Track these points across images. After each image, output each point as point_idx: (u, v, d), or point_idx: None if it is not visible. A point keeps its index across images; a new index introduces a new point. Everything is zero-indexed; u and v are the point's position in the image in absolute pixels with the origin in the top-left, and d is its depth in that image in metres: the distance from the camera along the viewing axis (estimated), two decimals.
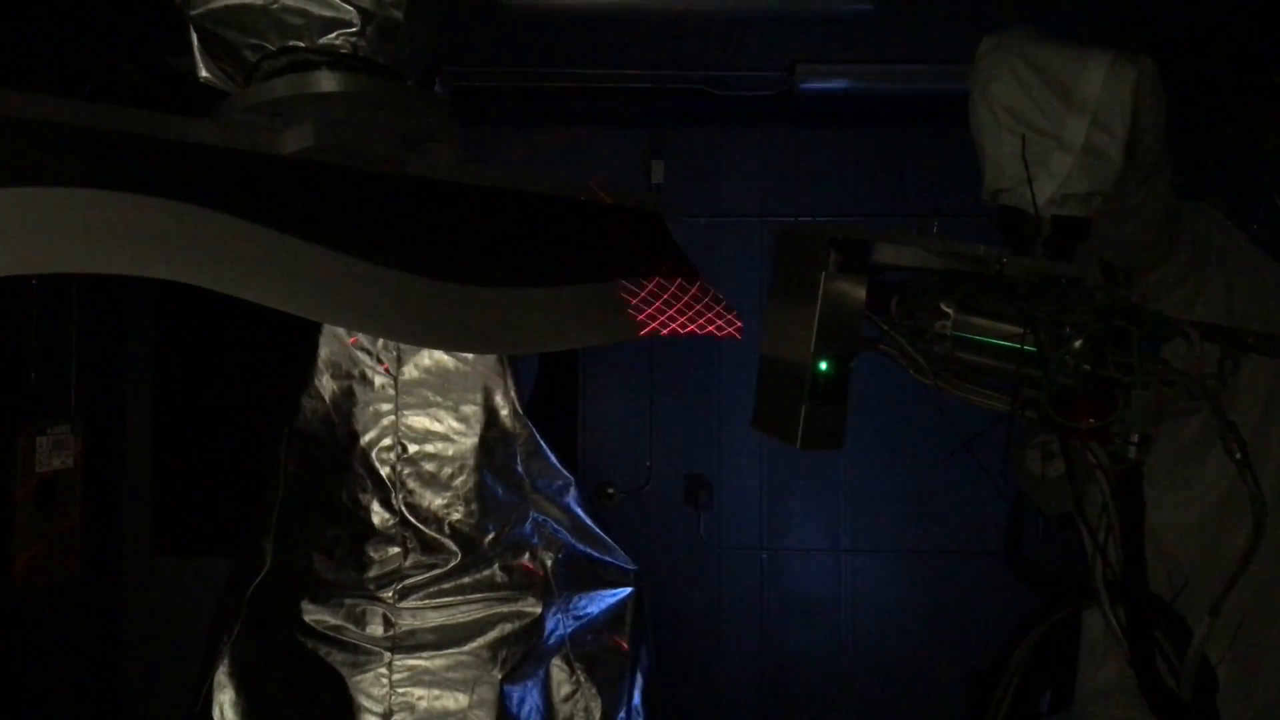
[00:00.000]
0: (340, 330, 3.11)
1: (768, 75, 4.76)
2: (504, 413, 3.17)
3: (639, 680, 3.28)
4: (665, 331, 2.43)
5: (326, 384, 3.12)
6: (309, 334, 3.20)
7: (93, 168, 1.56)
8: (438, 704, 2.97)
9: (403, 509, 3.08)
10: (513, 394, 3.18)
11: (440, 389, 3.11)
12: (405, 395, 3.10)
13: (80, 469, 4.25)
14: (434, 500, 3.09)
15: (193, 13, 2.16)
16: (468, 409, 3.12)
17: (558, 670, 3.11)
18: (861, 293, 2.02)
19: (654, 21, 4.15)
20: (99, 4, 4.02)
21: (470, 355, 3.12)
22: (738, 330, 2.43)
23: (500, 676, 2.99)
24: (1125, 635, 1.96)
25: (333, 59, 2.11)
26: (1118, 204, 2.18)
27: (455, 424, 3.12)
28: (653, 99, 4.94)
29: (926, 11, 4.05)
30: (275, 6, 2.11)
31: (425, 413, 3.11)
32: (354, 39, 2.15)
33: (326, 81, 2.05)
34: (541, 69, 4.75)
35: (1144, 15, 3.88)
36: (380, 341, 3.11)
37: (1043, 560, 3.27)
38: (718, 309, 2.41)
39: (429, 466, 3.10)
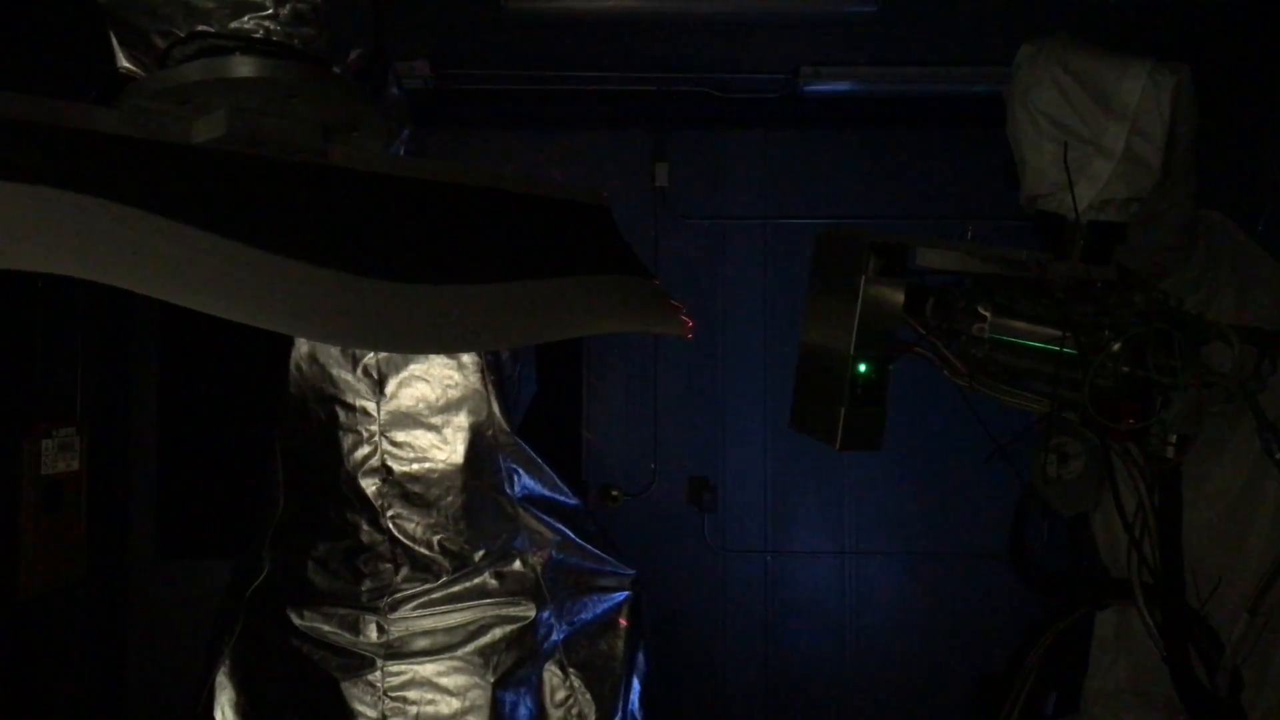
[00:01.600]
0: (318, 350, 3.08)
1: (772, 78, 4.77)
2: (490, 432, 3.14)
3: (635, 685, 3.27)
4: (611, 328, 2.39)
5: (311, 407, 3.10)
6: (281, 351, 3.17)
7: None
8: (430, 709, 2.97)
9: (391, 528, 3.07)
10: (498, 413, 3.15)
11: (424, 410, 3.09)
12: (389, 417, 3.08)
13: (85, 471, 4.26)
14: (422, 521, 3.08)
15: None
16: (451, 430, 3.10)
17: (551, 675, 3.09)
18: (900, 296, 2.04)
19: (658, 25, 4.16)
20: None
21: (456, 376, 3.09)
22: (686, 329, 2.38)
23: (493, 681, 2.98)
24: (1162, 635, 1.97)
25: (244, 43, 1.99)
26: (1152, 209, 2.19)
27: (440, 445, 3.10)
28: (657, 102, 4.95)
29: (930, 14, 4.05)
30: None
31: (410, 434, 3.08)
32: (266, 23, 2.03)
33: (237, 67, 1.92)
34: (545, 72, 4.76)
35: (1150, 17, 3.88)
36: (360, 367, 3.08)
37: (1047, 563, 3.26)
38: (665, 305, 2.35)
39: (415, 488, 3.08)
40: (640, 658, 3.32)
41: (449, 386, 3.10)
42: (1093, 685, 2.78)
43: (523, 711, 3.02)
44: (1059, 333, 1.97)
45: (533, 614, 3.07)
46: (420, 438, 3.09)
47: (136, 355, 5.06)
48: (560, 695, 3.09)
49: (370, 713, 2.95)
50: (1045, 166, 2.17)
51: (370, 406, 3.07)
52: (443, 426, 3.10)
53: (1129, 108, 2.06)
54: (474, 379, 3.11)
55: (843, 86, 4.72)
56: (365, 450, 3.08)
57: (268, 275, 1.71)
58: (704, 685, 5.16)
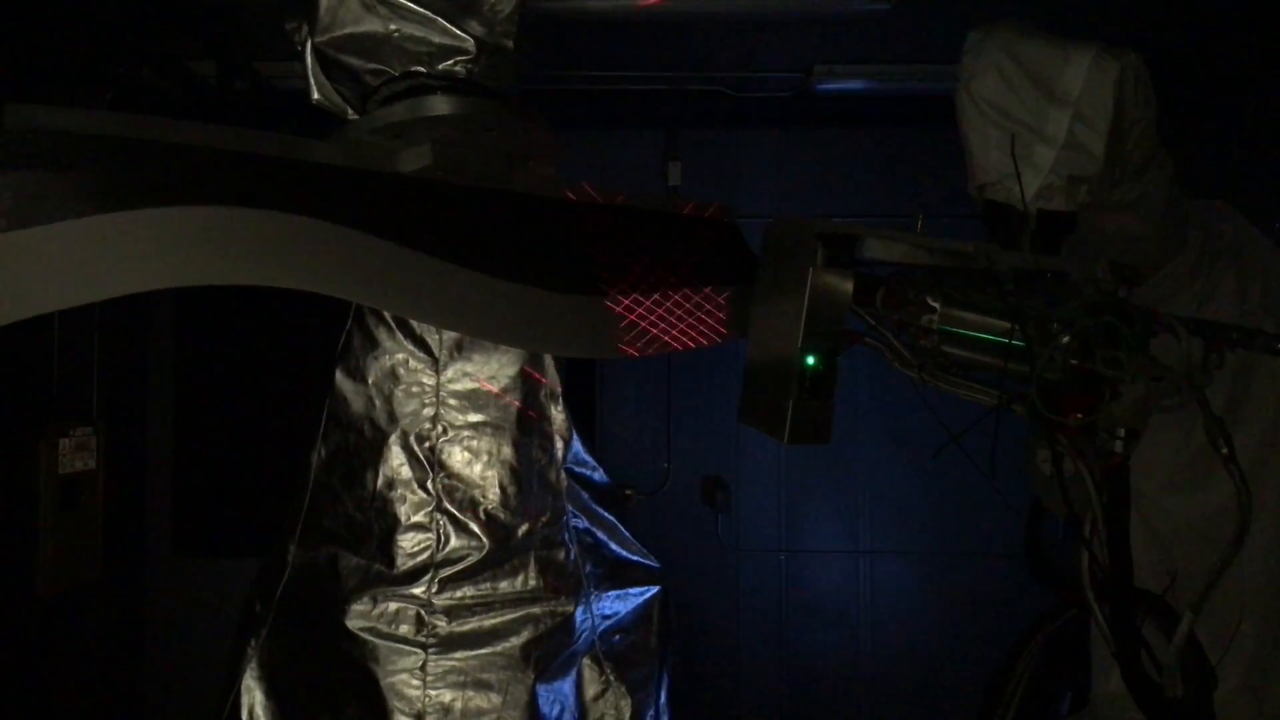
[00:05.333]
0: (390, 317, 3.08)
1: (785, 76, 4.75)
2: (542, 393, 3.15)
3: (665, 679, 3.27)
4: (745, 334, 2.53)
5: (371, 366, 3.09)
6: (337, 321, 3.18)
7: (231, 186, 1.70)
8: (471, 704, 2.93)
9: (439, 491, 3.03)
10: (551, 371, 3.14)
11: (483, 366, 3.08)
12: (447, 374, 3.07)
13: (102, 470, 4.29)
14: (471, 482, 3.04)
15: (316, 39, 2.37)
16: (507, 387, 3.09)
17: (588, 669, 3.08)
18: (848, 287, 2.02)
19: (670, 23, 4.15)
20: (120, 10, 4.06)
21: None
22: None
23: (533, 677, 2.96)
24: (1111, 632, 1.96)
25: (449, 83, 2.30)
26: (1109, 199, 2.17)
27: (496, 405, 3.09)
28: (669, 101, 4.94)
29: (944, 12, 4.03)
30: (397, 35, 2.33)
31: (466, 393, 3.07)
32: (469, 65, 2.35)
33: (445, 105, 2.22)
34: (558, 71, 4.76)
35: (1169, 12, 3.86)
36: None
37: (1062, 561, 3.24)
38: None
39: (469, 446, 3.06)
40: (669, 652, 3.33)
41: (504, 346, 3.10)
42: (1098, 687, 2.76)
43: (561, 706, 3.01)
44: (1008, 325, 1.94)
45: (571, 608, 3.06)
46: (477, 394, 3.08)
47: (153, 355, 5.08)
48: (596, 689, 3.08)
49: (409, 708, 2.91)
50: (991, 155, 2.15)
51: (430, 364, 3.06)
52: (500, 385, 3.09)
53: (1071, 94, 2.05)
54: None
55: (857, 85, 4.69)
56: (423, 407, 3.05)
57: (460, 286, 1.98)
58: (719, 683, 5.16)
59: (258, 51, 4.46)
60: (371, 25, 2.33)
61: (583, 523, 3.21)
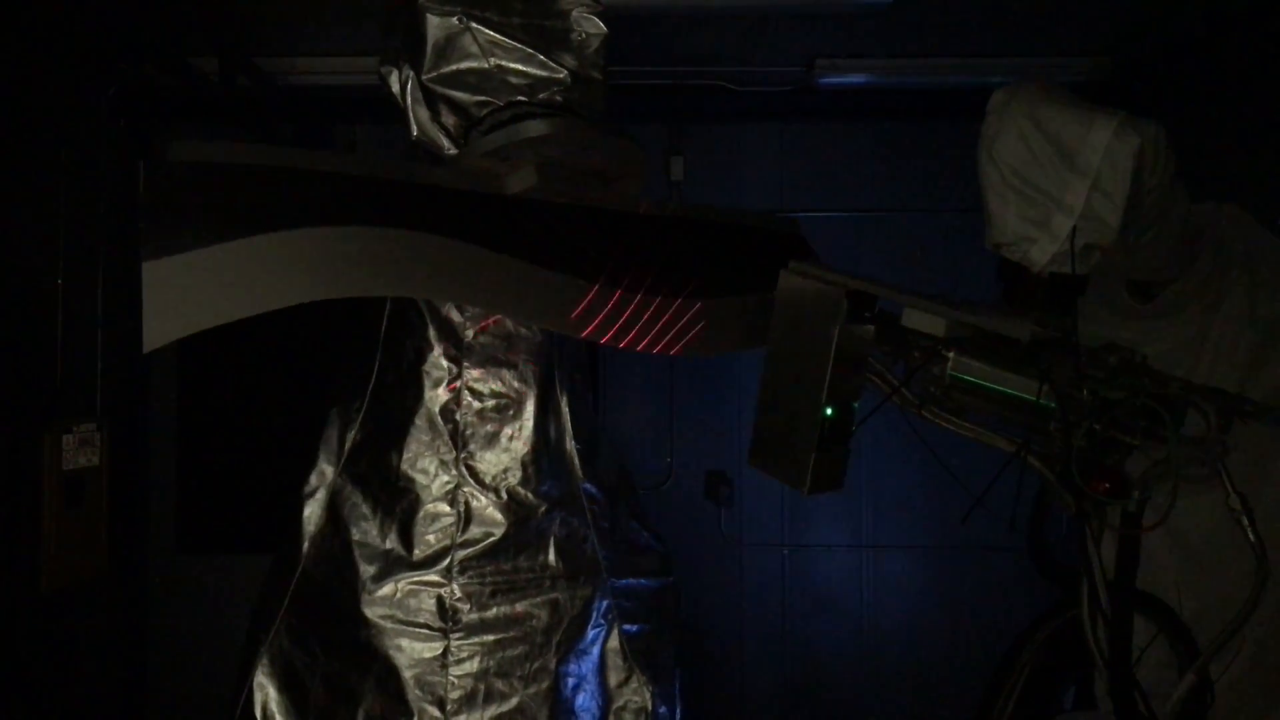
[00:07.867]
0: (420, 300, 3.10)
1: (787, 70, 4.76)
2: (556, 373, 3.15)
3: (678, 669, 3.27)
4: None
5: (406, 347, 3.10)
6: (342, 317, 3.18)
7: (362, 208, 1.92)
8: (495, 690, 2.93)
9: (463, 470, 3.03)
10: (568, 358, 3.17)
11: (504, 348, 3.09)
12: (470, 353, 3.07)
13: (106, 467, 4.29)
14: (494, 462, 3.03)
15: (424, 77, 2.64)
16: (529, 369, 3.10)
17: (612, 656, 3.08)
18: (868, 340, 2.06)
19: (673, 18, 4.15)
20: (122, 8, 4.06)
21: None
22: None
23: (555, 662, 2.95)
24: (1106, 667, 1.99)
25: (547, 109, 2.60)
26: (1122, 248, 2.20)
27: (517, 384, 3.09)
28: (672, 95, 4.95)
29: (944, 6, 4.04)
30: (499, 69, 2.63)
31: (490, 370, 3.06)
32: (565, 94, 2.65)
33: (546, 126, 2.50)
34: None
35: (1180, 6, 3.86)
36: (447, 305, 3.11)
37: (1065, 555, 3.24)
38: None
39: (492, 423, 3.06)
40: (681, 643, 3.35)
41: (525, 327, 3.11)
42: (1101, 688, 2.77)
43: (584, 692, 3.01)
44: (1026, 380, 2.00)
45: (590, 592, 3.06)
46: (499, 374, 3.09)
47: (156, 351, 5.07)
48: (621, 676, 3.08)
49: (430, 695, 2.89)
50: (1008, 216, 2.20)
51: (455, 344, 3.07)
52: (521, 366, 3.10)
53: (1091, 166, 2.07)
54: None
55: (858, 79, 4.71)
56: (448, 384, 3.05)
57: (557, 291, 2.23)
58: (722, 677, 5.17)
59: (259, 48, 4.47)
60: (477, 62, 2.64)
61: (598, 508, 3.21)
